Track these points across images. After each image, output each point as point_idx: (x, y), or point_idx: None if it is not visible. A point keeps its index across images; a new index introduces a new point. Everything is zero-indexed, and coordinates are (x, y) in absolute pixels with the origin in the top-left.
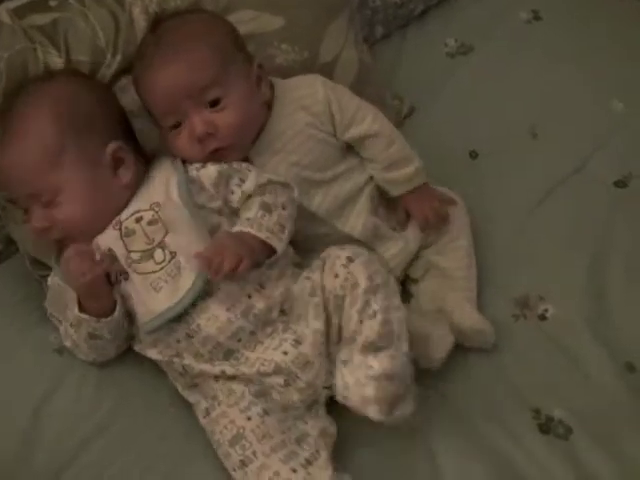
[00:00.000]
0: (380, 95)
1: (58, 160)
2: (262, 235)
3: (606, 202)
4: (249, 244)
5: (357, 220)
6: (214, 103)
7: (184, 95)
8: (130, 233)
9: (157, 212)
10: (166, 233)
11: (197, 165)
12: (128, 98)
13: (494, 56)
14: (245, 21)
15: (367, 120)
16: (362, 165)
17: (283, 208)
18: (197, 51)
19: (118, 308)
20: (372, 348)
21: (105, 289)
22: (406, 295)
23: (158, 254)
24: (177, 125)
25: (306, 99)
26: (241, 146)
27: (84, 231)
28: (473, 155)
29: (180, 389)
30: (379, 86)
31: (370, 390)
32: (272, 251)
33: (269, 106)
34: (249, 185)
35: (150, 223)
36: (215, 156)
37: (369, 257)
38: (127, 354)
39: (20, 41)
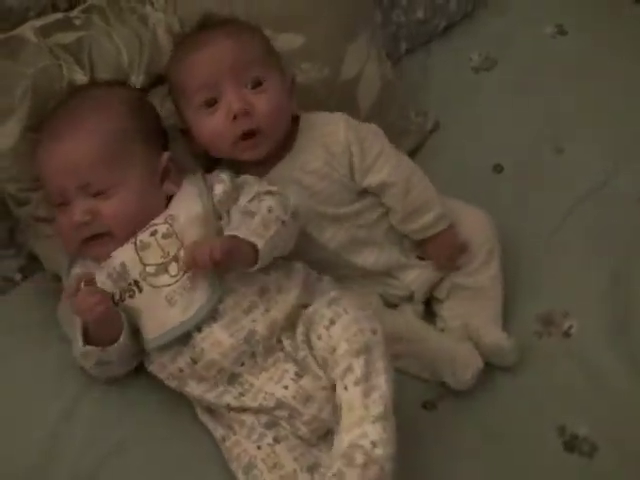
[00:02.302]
0: (403, 111)
1: (125, 158)
2: (240, 234)
3: (631, 218)
4: (228, 240)
5: (370, 254)
6: (255, 84)
7: (227, 70)
8: (145, 247)
9: (171, 225)
10: (181, 246)
11: (209, 183)
12: None
13: (518, 71)
14: None
15: (386, 169)
16: (378, 202)
17: (269, 211)
18: (246, 34)
19: (124, 333)
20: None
21: (113, 318)
22: (431, 315)
23: (173, 267)
24: (210, 104)
25: (327, 137)
26: (270, 137)
27: (120, 230)
28: (498, 169)
29: (199, 413)
30: (402, 102)
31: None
32: (256, 250)
33: (294, 136)
34: (240, 202)
35: (164, 236)
36: (244, 145)
37: (353, 317)
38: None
39: (45, 59)
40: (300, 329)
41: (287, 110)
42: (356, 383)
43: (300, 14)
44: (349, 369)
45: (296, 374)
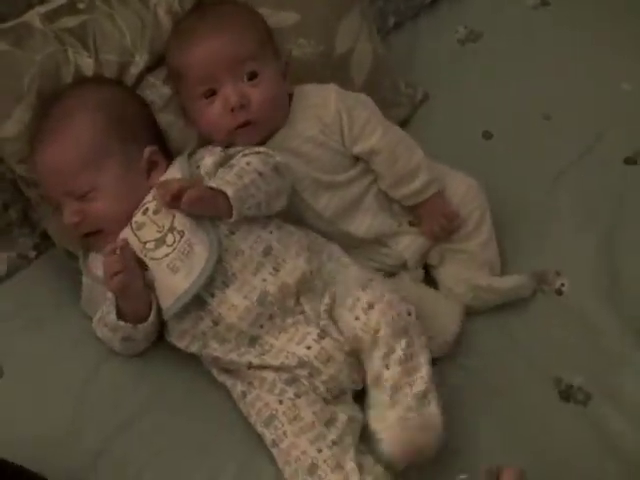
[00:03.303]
0: (394, 84)
1: (101, 161)
2: (213, 183)
3: (617, 179)
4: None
5: (362, 221)
6: (251, 77)
7: (224, 65)
8: (140, 226)
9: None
10: (173, 217)
11: (199, 157)
12: (155, 94)
13: (503, 42)
14: None
15: (374, 136)
16: (368, 169)
17: (247, 164)
18: (241, 26)
19: (153, 311)
20: (400, 408)
21: (140, 291)
22: (431, 282)
23: (169, 238)
24: (209, 94)
25: (319, 109)
26: (266, 125)
27: (112, 227)
28: (487, 136)
29: (216, 374)
30: (393, 75)
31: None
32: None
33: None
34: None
35: (155, 212)
36: (240, 131)
37: (389, 300)
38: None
39: (51, 44)
40: (326, 300)
41: (282, 96)
42: (399, 363)
43: None
44: (391, 350)
45: (318, 335)
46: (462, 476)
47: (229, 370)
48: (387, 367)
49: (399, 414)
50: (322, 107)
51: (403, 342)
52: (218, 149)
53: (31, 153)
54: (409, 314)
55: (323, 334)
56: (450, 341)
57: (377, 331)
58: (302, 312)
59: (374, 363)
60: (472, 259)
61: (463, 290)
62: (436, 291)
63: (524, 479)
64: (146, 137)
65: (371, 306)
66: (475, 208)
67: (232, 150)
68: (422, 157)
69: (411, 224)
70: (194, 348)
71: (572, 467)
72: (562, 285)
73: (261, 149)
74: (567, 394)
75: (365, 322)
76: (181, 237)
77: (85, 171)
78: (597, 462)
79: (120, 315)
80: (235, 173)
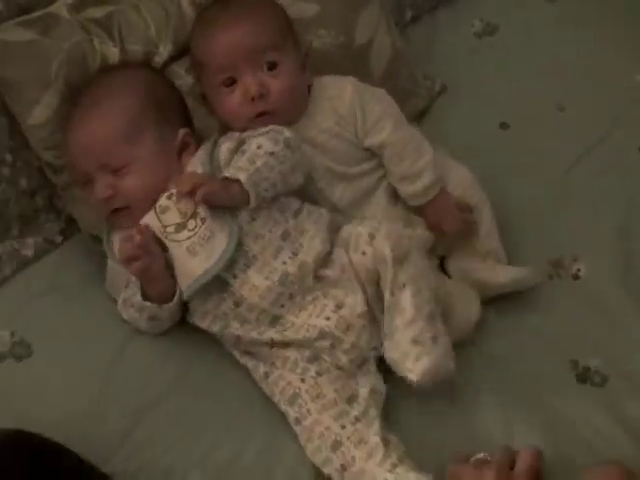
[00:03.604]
0: (412, 76)
1: (138, 137)
2: (227, 173)
3: (632, 167)
4: (215, 179)
5: (374, 213)
6: (271, 67)
7: (245, 54)
8: (164, 210)
9: None
10: (196, 205)
11: (220, 144)
12: (179, 82)
13: (519, 35)
14: None
15: (385, 131)
16: (380, 163)
17: (257, 147)
18: (263, 15)
19: (178, 292)
20: (412, 330)
21: (161, 274)
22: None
23: (191, 223)
24: (229, 83)
25: (335, 100)
26: (284, 115)
27: (140, 205)
28: (504, 127)
29: (238, 356)
30: (411, 67)
31: (413, 376)
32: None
33: (307, 100)
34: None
35: (179, 198)
36: (259, 121)
37: (389, 229)
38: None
39: (78, 33)
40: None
41: (301, 87)
42: (404, 288)
43: None
44: (396, 276)
45: (336, 306)
46: (480, 455)
47: (251, 352)
48: (392, 294)
49: (413, 336)
50: (338, 99)
51: (406, 265)
52: (236, 134)
53: (63, 134)
54: (410, 238)
55: (340, 304)
56: (470, 328)
57: (382, 259)
58: (321, 289)
59: (385, 292)
60: (476, 251)
61: (469, 282)
62: (452, 280)
63: (541, 459)
64: (178, 119)
65: (372, 237)
66: (475, 201)
67: (245, 134)
68: (430, 159)
69: (416, 214)
70: (215, 328)
71: (589, 447)
72: (578, 270)
73: (269, 127)
74: (584, 376)
75: (372, 255)
76: (203, 223)
77: (120, 145)
78: (614, 443)
79: (145, 296)
80: (247, 158)
